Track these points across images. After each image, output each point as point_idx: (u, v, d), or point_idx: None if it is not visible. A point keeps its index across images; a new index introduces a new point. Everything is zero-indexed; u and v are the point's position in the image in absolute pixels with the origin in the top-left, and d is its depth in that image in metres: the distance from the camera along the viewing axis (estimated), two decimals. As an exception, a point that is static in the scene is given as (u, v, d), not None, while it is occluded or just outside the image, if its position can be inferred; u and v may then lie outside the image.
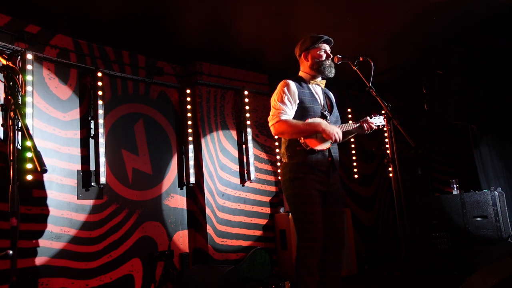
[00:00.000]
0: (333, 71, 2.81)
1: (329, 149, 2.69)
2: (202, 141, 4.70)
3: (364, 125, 2.82)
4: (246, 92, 5.06)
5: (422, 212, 4.96)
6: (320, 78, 2.84)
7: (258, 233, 4.87)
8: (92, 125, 3.98)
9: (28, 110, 3.44)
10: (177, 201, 4.56)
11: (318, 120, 2.68)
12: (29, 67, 3.51)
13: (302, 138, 2.61)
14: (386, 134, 5.65)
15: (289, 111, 2.65)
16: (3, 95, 3.35)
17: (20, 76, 3.31)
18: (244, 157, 4.97)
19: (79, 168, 3.86)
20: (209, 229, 4.49)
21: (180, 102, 4.81)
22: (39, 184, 3.54)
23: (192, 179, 4.60)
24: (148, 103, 4.53)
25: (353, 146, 6.07)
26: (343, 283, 2.70)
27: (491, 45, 4.91)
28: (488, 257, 4.02)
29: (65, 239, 3.63)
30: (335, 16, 4.02)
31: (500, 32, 4.52)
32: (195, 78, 4.77)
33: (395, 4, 3.85)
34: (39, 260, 3.43)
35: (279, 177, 2.89)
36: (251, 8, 3.78)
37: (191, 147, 4.66)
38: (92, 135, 3.97)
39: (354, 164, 6.04)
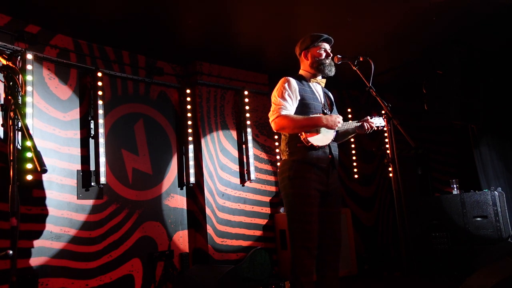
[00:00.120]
0: (333, 70, 2.81)
1: (329, 146, 2.69)
2: (202, 141, 4.70)
3: (365, 124, 2.83)
4: (246, 92, 5.06)
5: (422, 212, 4.96)
6: (320, 77, 2.85)
7: (258, 233, 4.87)
8: (92, 125, 3.98)
9: (28, 110, 3.44)
10: (177, 201, 4.56)
11: (320, 115, 2.69)
12: (29, 67, 3.51)
13: (303, 134, 2.60)
14: (386, 134, 5.66)
15: (290, 107, 2.64)
16: (3, 95, 3.35)
17: (20, 76, 3.31)
18: (244, 157, 4.97)
19: (79, 168, 3.86)
20: (209, 229, 4.49)
21: (180, 102, 4.81)
22: (39, 184, 3.54)
23: (192, 179, 4.60)
24: (148, 103, 4.53)
25: (353, 146, 6.07)
26: (343, 283, 2.69)
27: (491, 45, 4.91)
28: (488, 257, 4.02)
29: (65, 239, 3.63)
30: (335, 16, 4.02)
31: (500, 32, 4.52)
32: (195, 78, 4.77)
33: (395, 4, 3.85)
34: (39, 260, 3.43)
35: (278, 175, 2.86)
36: (251, 8, 3.78)
37: (191, 147, 4.66)
38: (92, 135, 3.97)
39: (354, 164, 6.04)
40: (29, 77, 3.50)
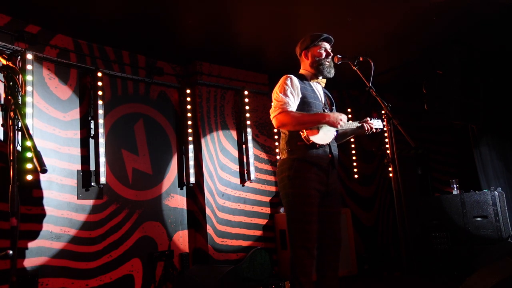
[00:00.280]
0: (333, 71, 2.82)
1: (329, 145, 2.69)
2: (202, 141, 4.70)
3: (365, 125, 2.83)
4: (246, 92, 5.06)
5: (422, 212, 4.96)
6: (320, 77, 2.85)
7: (258, 233, 4.87)
8: (92, 125, 3.98)
9: (28, 110, 3.44)
10: (177, 201, 4.56)
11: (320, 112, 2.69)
12: (29, 67, 3.51)
13: (304, 132, 2.59)
14: (386, 134, 5.66)
15: (292, 104, 2.63)
16: (3, 95, 3.35)
17: (20, 76, 3.31)
18: (244, 157, 4.97)
19: (79, 168, 3.86)
20: (209, 229, 4.49)
21: (180, 102, 4.81)
22: (39, 184, 3.54)
23: (192, 179, 4.60)
24: (148, 103, 4.53)
25: (353, 146, 6.07)
26: (343, 283, 2.69)
27: (491, 45, 4.91)
28: (488, 257, 4.02)
29: (65, 239, 3.63)
30: (335, 16, 4.02)
31: (500, 32, 4.52)
32: (195, 78, 4.77)
33: (395, 4, 3.85)
34: (39, 260, 3.43)
35: (276, 174, 2.84)
36: (251, 8, 3.78)
37: (191, 147, 4.66)
38: (92, 135, 3.97)
39: (354, 164, 6.04)
40: (29, 77, 3.50)
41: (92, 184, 3.88)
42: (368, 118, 2.89)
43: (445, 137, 6.30)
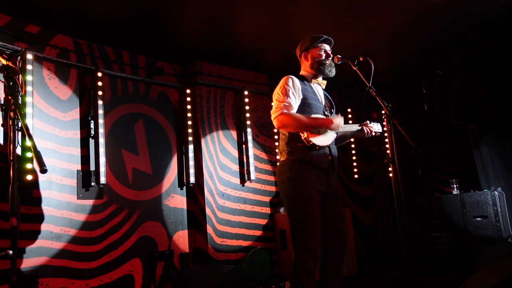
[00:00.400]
0: (334, 70, 2.81)
1: (329, 147, 2.69)
2: (202, 141, 4.70)
3: (365, 128, 2.84)
4: (246, 92, 5.06)
5: (422, 212, 4.96)
6: (321, 78, 2.85)
7: (258, 233, 4.87)
8: (92, 125, 3.98)
9: (28, 110, 3.44)
10: (177, 201, 4.56)
11: (321, 115, 2.69)
12: (29, 67, 3.51)
13: (304, 133, 2.59)
14: (386, 134, 5.65)
15: (294, 105, 2.62)
16: (3, 95, 3.35)
17: (20, 76, 3.32)
18: (244, 157, 4.97)
19: (79, 168, 3.86)
20: (209, 229, 4.49)
21: (180, 102, 4.81)
22: (39, 184, 3.54)
23: (192, 179, 4.60)
24: (148, 103, 4.53)
25: (353, 146, 6.07)
26: (343, 283, 2.69)
27: (491, 45, 4.91)
28: (488, 257, 4.02)
29: (65, 239, 3.63)
30: (335, 16, 4.02)
31: (500, 32, 4.52)
32: (195, 78, 4.77)
33: (395, 4, 3.85)
34: (39, 260, 3.43)
35: (276, 176, 2.84)
36: (251, 8, 3.78)
37: (191, 147, 4.66)
38: (92, 135, 3.97)
39: (354, 164, 6.04)
40: (29, 77, 3.49)
41: (92, 184, 3.88)
42: (368, 121, 2.90)
43: (445, 137, 6.30)
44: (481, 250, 4.27)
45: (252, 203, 4.92)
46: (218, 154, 4.81)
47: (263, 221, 4.95)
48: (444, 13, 4.02)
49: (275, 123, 2.65)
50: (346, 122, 2.81)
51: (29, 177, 3.36)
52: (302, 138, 2.60)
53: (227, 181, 4.79)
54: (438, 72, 4.92)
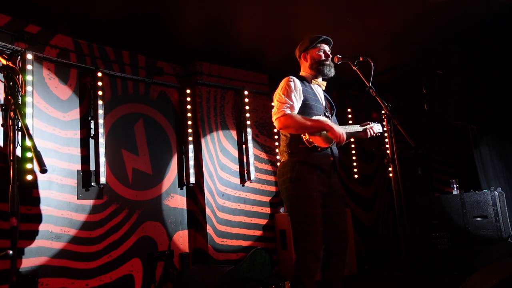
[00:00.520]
0: (333, 70, 2.81)
1: (330, 148, 2.69)
2: (202, 141, 4.70)
3: (367, 130, 2.85)
4: (246, 92, 5.05)
5: (422, 212, 4.96)
6: (320, 79, 2.85)
7: (258, 233, 4.87)
8: (92, 125, 3.98)
9: (28, 110, 3.44)
10: (177, 201, 4.56)
11: (323, 118, 2.69)
12: (29, 67, 3.51)
13: (306, 135, 2.59)
14: (386, 134, 5.65)
15: (295, 106, 2.62)
16: (3, 95, 3.35)
17: (20, 76, 3.32)
18: (244, 157, 4.97)
19: (79, 168, 3.86)
20: (209, 229, 4.49)
21: (180, 102, 4.81)
22: (39, 184, 3.54)
23: (192, 179, 4.60)
24: (148, 103, 4.53)
25: (353, 146, 6.06)
26: (343, 283, 2.69)
27: (491, 45, 4.91)
28: (488, 257, 4.02)
29: (65, 239, 3.63)
30: (335, 16, 4.02)
31: (500, 32, 4.52)
32: (195, 78, 4.77)
33: (395, 4, 3.85)
34: (39, 260, 3.43)
35: (277, 177, 2.84)
36: (251, 8, 3.78)
37: (191, 147, 4.66)
38: (92, 135, 3.97)
39: (354, 164, 6.04)
40: (29, 77, 3.50)
41: (92, 184, 3.88)
42: (369, 122, 2.90)
43: (445, 137, 6.30)
44: (481, 250, 4.27)
45: (252, 203, 4.92)
46: (218, 154, 4.81)
47: (263, 221, 4.95)
48: (444, 13, 4.02)
49: (276, 124, 2.64)
50: (346, 122, 2.81)
51: (29, 177, 3.36)
52: (304, 139, 2.60)
53: (227, 181, 4.79)
54: (438, 72, 4.92)
